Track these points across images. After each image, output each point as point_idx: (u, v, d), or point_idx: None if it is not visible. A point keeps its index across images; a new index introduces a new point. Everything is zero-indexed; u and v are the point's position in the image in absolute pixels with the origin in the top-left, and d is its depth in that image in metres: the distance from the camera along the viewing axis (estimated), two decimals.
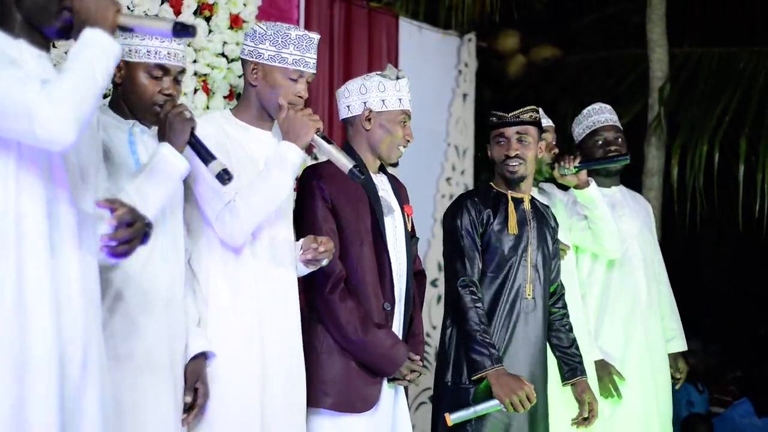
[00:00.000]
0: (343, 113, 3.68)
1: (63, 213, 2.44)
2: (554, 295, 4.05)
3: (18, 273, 2.34)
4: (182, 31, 2.41)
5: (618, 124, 4.72)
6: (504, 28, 7.29)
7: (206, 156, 2.92)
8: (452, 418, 3.55)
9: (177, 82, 3.11)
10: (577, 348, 4.05)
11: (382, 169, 3.74)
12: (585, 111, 4.74)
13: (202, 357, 3.10)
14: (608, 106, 4.76)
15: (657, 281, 4.70)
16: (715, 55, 6.52)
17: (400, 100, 3.62)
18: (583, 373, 4.02)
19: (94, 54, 2.36)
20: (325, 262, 3.34)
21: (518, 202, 3.89)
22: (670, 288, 4.84)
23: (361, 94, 3.61)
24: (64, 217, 2.44)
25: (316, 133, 3.19)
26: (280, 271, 3.27)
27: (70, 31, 2.49)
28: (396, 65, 5.95)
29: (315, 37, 3.33)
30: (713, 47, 6.70)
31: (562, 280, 4.14)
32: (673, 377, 4.76)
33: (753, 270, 8.14)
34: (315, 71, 3.35)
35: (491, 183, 3.96)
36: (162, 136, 2.96)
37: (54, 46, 3.07)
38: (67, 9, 2.45)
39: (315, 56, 3.34)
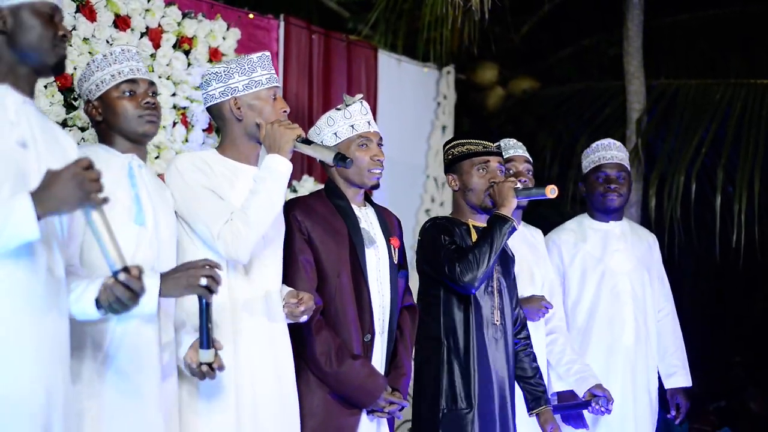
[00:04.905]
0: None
1: (47, 279, 2.49)
2: (516, 324, 4.05)
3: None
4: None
5: (624, 162, 4.73)
6: (482, 61, 7.34)
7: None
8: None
9: (154, 94, 3.13)
10: (541, 377, 4.07)
11: (369, 201, 3.75)
12: (593, 145, 4.76)
13: None
14: (617, 143, 4.77)
15: (648, 317, 4.69)
16: (692, 87, 6.55)
17: (352, 126, 3.63)
18: (547, 402, 4.04)
19: None
20: (303, 319, 3.32)
21: (479, 230, 3.91)
22: (677, 323, 4.85)
23: (317, 135, 3.66)
24: (47, 281, 2.49)
25: (295, 139, 3.26)
26: (270, 311, 3.30)
27: (63, 66, 2.54)
28: (375, 97, 5.98)
29: (268, 53, 3.44)
30: (690, 79, 6.74)
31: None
32: (670, 411, 4.79)
33: (732, 299, 8.17)
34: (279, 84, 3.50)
35: (448, 216, 4.00)
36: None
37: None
38: (63, 40, 2.52)
39: (274, 70, 3.44)
